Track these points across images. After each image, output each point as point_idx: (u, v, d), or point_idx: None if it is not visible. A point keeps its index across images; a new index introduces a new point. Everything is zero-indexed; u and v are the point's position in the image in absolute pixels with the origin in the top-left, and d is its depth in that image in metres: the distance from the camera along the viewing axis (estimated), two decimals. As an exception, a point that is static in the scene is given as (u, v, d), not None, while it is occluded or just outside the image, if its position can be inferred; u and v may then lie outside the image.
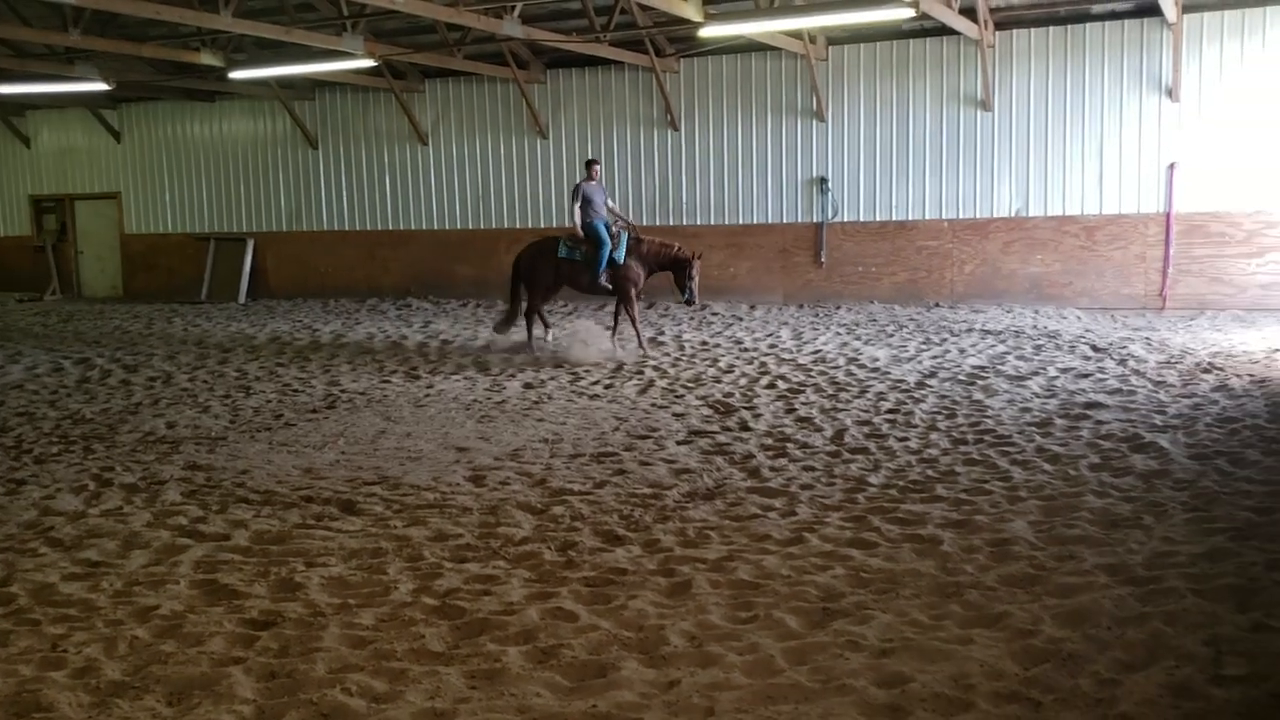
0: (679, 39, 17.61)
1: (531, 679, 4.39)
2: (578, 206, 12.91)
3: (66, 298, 23.64)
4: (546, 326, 14.02)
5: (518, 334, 14.00)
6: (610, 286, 13.11)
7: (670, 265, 13.16)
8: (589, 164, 13.52)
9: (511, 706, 4.15)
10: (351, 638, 4.86)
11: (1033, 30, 16.22)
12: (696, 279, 13.10)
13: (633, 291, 13.10)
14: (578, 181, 13.49)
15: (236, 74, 17.20)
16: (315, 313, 19.05)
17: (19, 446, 9.16)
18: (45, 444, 9.23)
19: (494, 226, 20.30)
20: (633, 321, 13.19)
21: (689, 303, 13.28)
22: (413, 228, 20.98)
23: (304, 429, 9.57)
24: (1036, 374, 10.94)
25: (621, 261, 13.00)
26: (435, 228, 20.79)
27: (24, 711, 4.22)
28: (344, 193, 21.52)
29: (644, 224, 19.03)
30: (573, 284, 13.39)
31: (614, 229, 13.18)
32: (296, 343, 15.15)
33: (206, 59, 16.65)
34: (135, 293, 23.41)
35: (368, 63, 16.68)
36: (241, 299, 21.73)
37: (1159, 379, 10.44)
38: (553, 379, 11.70)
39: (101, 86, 17.93)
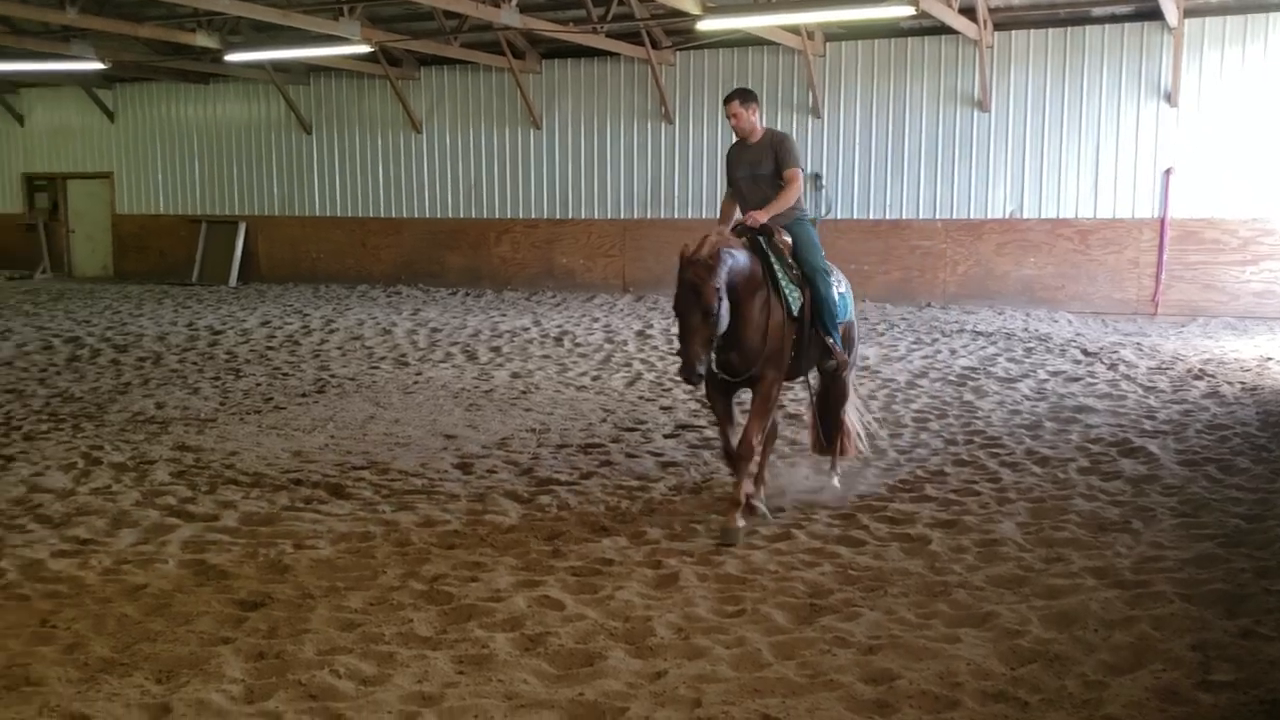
0: (676, 32, 17.60)
1: (519, 665, 4.40)
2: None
3: (57, 276, 23.54)
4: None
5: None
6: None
7: None
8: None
9: (499, 692, 4.16)
10: (340, 620, 4.86)
11: (1032, 31, 16.25)
12: None
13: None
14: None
15: (232, 56, 17.16)
16: (306, 298, 19.00)
17: (8, 423, 9.12)
18: (34, 421, 9.19)
19: (486, 216, 20.26)
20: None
21: None
22: (404, 215, 20.94)
23: (293, 412, 9.56)
24: (1027, 376, 10.98)
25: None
26: (427, 216, 20.75)
27: (14, 685, 4.22)
28: (337, 179, 21.46)
29: (636, 217, 19.07)
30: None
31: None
32: (286, 327, 15.10)
33: (202, 40, 16.59)
34: (126, 273, 23.31)
35: (363, 48, 16.65)
36: (232, 282, 21.66)
37: (1149, 384, 10.48)
38: (540, 369, 11.70)
39: (97, 66, 17.85)
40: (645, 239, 18.97)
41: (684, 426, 8.96)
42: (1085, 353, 12.35)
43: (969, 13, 15.19)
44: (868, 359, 12.02)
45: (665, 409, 9.67)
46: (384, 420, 9.25)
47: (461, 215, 20.47)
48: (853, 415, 7.43)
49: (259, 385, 10.86)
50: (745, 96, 6.75)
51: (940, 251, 17.15)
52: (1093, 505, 6.61)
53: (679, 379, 6.27)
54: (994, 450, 8.06)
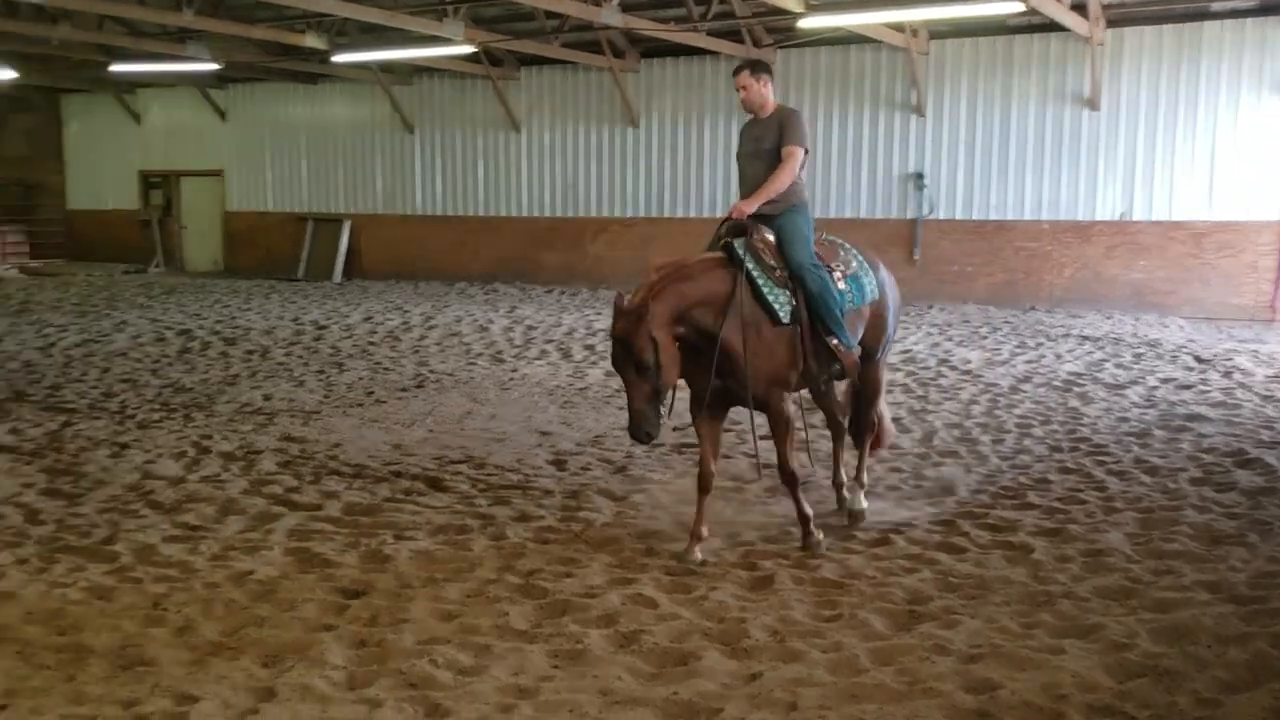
0: (777, 30, 17.49)
1: (613, 662, 4.41)
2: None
3: (170, 271, 24.33)
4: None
5: None
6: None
7: None
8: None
9: (594, 688, 4.17)
10: (439, 611, 4.93)
11: (1146, 28, 15.76)
12: None
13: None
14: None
15: (339, 57, 17.57)
16: (406, 294, 19.33)
17: (123, 412, 9.45)
18: (148, 410, 9.51)
19: (582, 215, 20.39)
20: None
21: None
22: (502, 214, 21.18)
23: (394, 406, 9.73)
24: (1136, 383, 10.66)
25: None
26: (524, 215, 20.95)
27: (128, 664, 4.37)
28: (437, 177, 21.80)
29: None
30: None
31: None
32: (387, 323, 15.39)
33: (311, 41, 17.00)
34: (235, 268, 24.00)
35: (467, 49, 16.89)
36: (336, 278, 22.15)
37: (1267, 393, 10.09)
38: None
39: (211, 66, 18.42)
40: (742, 239, 18.85)
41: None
42: (1198, 359, 11.94)
43: (1080, 9, 14.81)
44: (970, 362, 11.81)
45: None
46: (481, 416, 9.36)
47: (558, 214, 20.63)
48: (882, 407, 6.85)
49: (361, 379, 11.08)
50: (756, 67, 6.25)
51: (1046, 253, 16.75)
52: (1205, 517, 6.38)
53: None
54: (1100, 458, 7.84)
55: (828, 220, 18.04)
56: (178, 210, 25.03)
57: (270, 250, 23.48)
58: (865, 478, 6.63)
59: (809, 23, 14.21)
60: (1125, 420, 9.06)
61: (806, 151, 6.17)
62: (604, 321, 15.30)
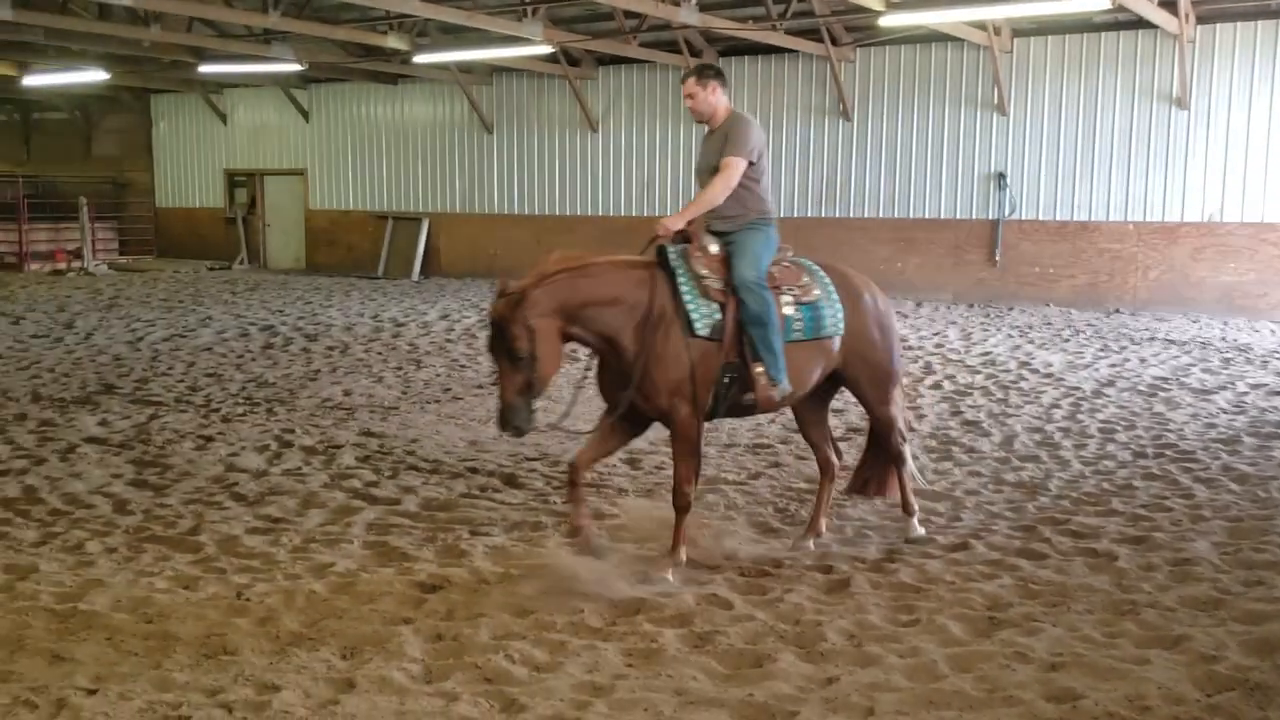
0: (856, 28, 17.34)
1: (688, 662, 4.40)
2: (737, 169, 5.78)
3: (253, 268, 24.85)
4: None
5: None
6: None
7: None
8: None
9: (669, 687, 4.17)
10: (514, 606, 4.96)
11: (1239, 24, 15.33)
12: None
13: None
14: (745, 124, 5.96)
15: (420, 57, 17.81)
16: (483, 292, 19.49)
17: (208, 405, 9.67)
18: (232, 404, 9.72)
19: (658, 214, 20.34)
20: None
21: None
22: (579, 213, 21.27)
23: (470, 403, 9.82)
24: (1224, 388, 10.37)
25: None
26: (600, 214, 21.02)
27: (212, 653, 4.47)
28: (515, 177, 21.97)
29: (810, 215, 18.86)
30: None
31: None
32: (464, 320, 15.55)
33: (393, 42, 17.25)
34: (316, 266, 24.43)
35: (545, 49, 17.00)
36: (415, 276, 22.44)
37: (1362, 400, 9.76)
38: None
39: (295, 67, 18.77)
40: (817, 237, 18.68)
41: (855, 430, 8.80)
42: (1290, 365, 11.59)
43: (1169, 6, 14.46)
44: (1051, 366, 11.59)
45: (836, 411, 9.50)
46: (554, 413, 9.36)
47: (634, 213, 20.66)
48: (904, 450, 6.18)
49: (438, 376, 11.21)
50: (701, 73, 5.75)
51: (1131, 255, 16.37)
52: (1299, 528, 6.18)
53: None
54: (1187, 465, 7.64)
55: (905, 220, 17.89)
56: (261, 208, 25.56)
57: (350, 248, 23.86)
58: (913, 509, 6.11)
59: (890, 20, 14.06)
60: (1213, 426, 8.82)
61: (753, 163, 5.65)
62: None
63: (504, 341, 5.05)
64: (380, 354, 12.59)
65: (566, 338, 5.25)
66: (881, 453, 6.22)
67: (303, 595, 5.10)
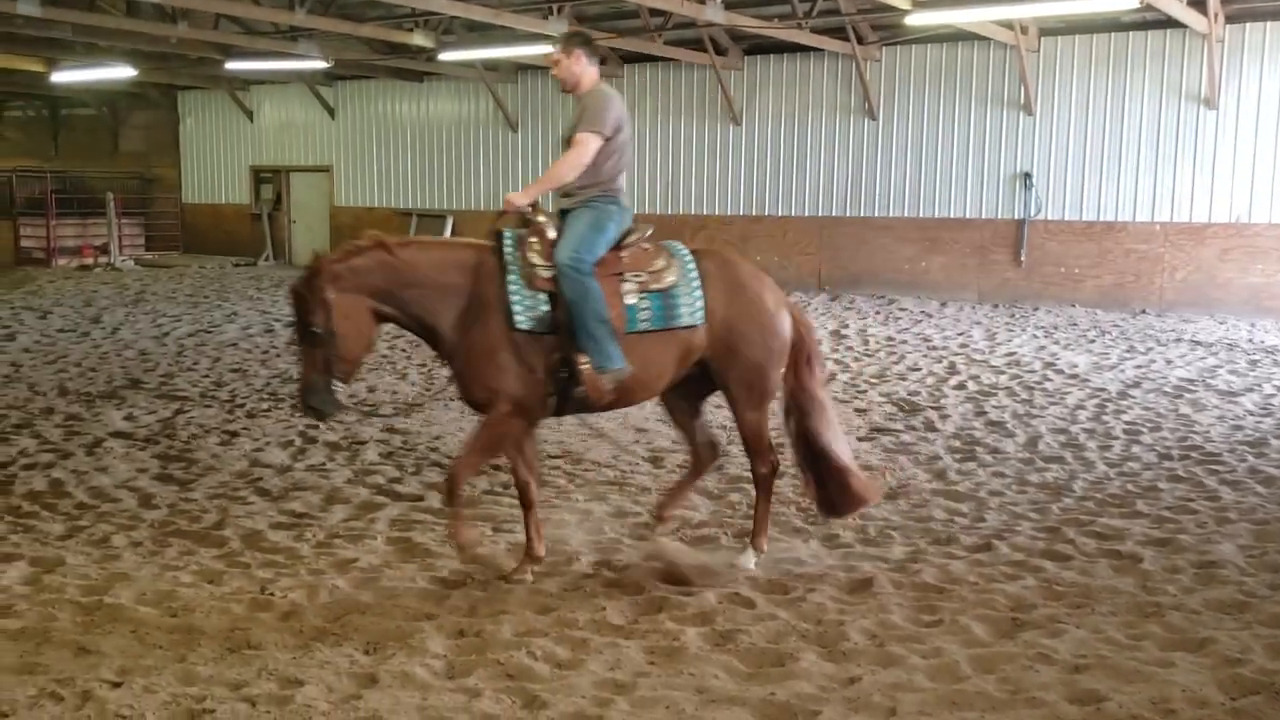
0: (883, 27, 17.26)
1: (709, 660, 4.41)
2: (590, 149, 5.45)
3: (279, 264, 24.98)
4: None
5: None
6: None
7: None
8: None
9: (690, 685, 4.17)
10: (536, 604, 4.98)
11: (1268, 24, 15.17)
12: None
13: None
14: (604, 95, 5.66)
15: (446, 55, 17.85)
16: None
17: (233, 401, 9.74)
18: (257, 400, 9.78)
19: (681, 213, 20.37)
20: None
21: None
22: (604, 210, 21.23)
23: (493, 401, 9.83)
24: (1251, 390, 10.28)
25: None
26: (626, 211, 20.98)
27: (236, 647, 4.50)
28: (539, 174, 21.94)
29: (835, 215, 18.80)
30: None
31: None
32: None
33: (419, 40, 17.30)
34: (340, 262, 24.48)
35: (570, 46, 16.98)
36: (438, 273, 22.46)
37: (1392, 404, 9.65)
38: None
39: (321, 64, 18.86)
40: (843, 237, 18.72)
41: (879, 430, 8.78)
42: (1319, 367, 11.47)
43: (1198, 5, 14.33)
44: (1076, 366, 11.52)
45: (860, 411, 9.50)
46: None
47: (657, 211, 20.62)
48: (839, 446, 5.62)
49: (461, 373, 11.23)
50: (568, 40, 5.53)
51: (1158, 256, 16.25)
52: (1327, 531, 6.13)
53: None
54: (1213, 467, 7.58)
55: (930, 220, 17.80)
56: (287, 205, 25.69)
57: (375, 245, 23.91)
58: (763, 541, 5.61)
59: (916, 19, 14.00)
60: (1240, 428, 8.75)
61: (609, 139, 5.33)
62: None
63: (302, 313, 4.90)
64: (404, 351, 12.63)
65: (383, 319, 5.05)
66: (819, 462, 5.59)
67: (326, 590, 5.14)
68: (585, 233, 5.25)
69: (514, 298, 5.06)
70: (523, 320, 5.05)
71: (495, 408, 5.10)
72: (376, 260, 5.00)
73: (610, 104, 5.41)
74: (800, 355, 5.57)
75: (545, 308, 5.08)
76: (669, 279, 5.28)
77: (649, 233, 5.48)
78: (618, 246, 5.34)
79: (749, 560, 5.54)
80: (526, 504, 5.36)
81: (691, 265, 5.34)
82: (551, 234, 5.27)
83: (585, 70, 5.51)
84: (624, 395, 5.31)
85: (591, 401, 5.21)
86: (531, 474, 5.40)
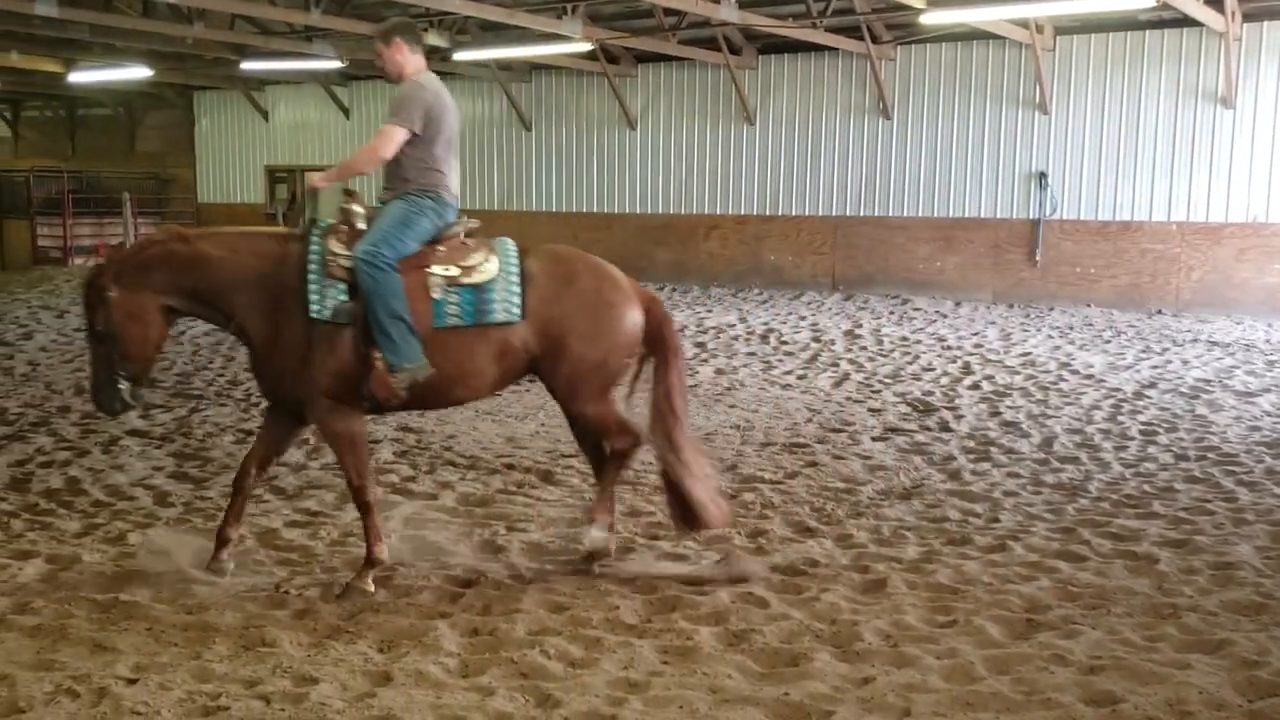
0: (897, 26, 17.23)
1: (723, 660, 4.40)
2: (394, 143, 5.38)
3: (292, 263, 25.02)
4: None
5: None
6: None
7: None
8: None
9: (704, 685, 4.17)
10: (550, 602, 4.98)
11: (1287, 22, 15.10)
12: None
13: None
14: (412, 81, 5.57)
15: (460, 55, 17.88)
16: (520, 289, 19.54)
17: (248, 399, 9.77)
18: (271, 398, 9.80)
19: (695, 212, 20.37)
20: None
21: None
22: (616, 211, 21.27)
23: (507, 399, 9.83)
24: (1268, 391, 10.22)
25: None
26: (638, 212, 21.01)
27: (250, 645, 4.51)
28: (553, 174, 22.01)
29: (849, 214, 18.76)
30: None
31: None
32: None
33: (433, 39, 17.29)
34: (354, 261, 24.55)
35: (585, 46, 17.02)
36: (452, 272, 22.52)
37: None
38: (745, 366, 11.67)
39: (336, 64, 18.91)
40: (857, 236, 18.68)
41: (893, 430, 8.76)
42: (1337, 368, 11.40)
43: (1215, 3, 14.26)
44: (1092, 367, 11.48)
45: (874, 411, 9.47)
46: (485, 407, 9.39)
47: (671, 211, 20.64)
48: (686, 457, 5.35)
49: (475, 372, 11.24)
50: (388, 31, 5.46)
51: (1174, 255, 16.17)
52: (1345, 533, 6.09)
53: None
54: (1229, 468, 7.54)
55: (945, 220, 17.74)
56: (302, 204, 25.70)
57: (389, 244, 23.99)
58: (603, 515, 5.40)
59: (931, 18, 13.96)
60: (1257, 429, 8.70)
61: (416, 133, 5.23)
62: (714, 319, 15.29)
63: (86, 314, 4.86)
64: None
65: (179, 313, 4.98)
66: (666, 473, 5.40)
67: (340, 589, 5.14)
68: (389, 226, 5.14)
69: (311, 286, 4.97)
70: (318, 309, 4.96)
71: (310, 404, 5.05)
72: (165, 254, 4.92)
73: (419, 96, 5.29)
74: (657, 352, 5.41)
75: (343, 298, 4.97)
76: (484, 274, 5.13)
77: (471, 226, 5.38)
78: (437, 241, 5.24)
79: (598, 535, 5.32)
80: (237, 489, 5.26)
81: (513, 261, 5.19)
82: (361, 225, 5.18)
83: (407, 60, 5.43)
84: (436, 394, 5.19)
85: (382, 400, 5.08)
86: (262, 467, 5.33)
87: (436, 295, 5.06)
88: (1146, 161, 16.24)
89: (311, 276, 4.98)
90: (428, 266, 5.09)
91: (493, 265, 5.14)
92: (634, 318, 5.33)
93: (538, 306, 5.14)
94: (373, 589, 5.03)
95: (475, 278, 5.10)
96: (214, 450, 7.93)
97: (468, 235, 5.33)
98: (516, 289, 5.12)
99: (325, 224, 5.21)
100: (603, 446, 5.50)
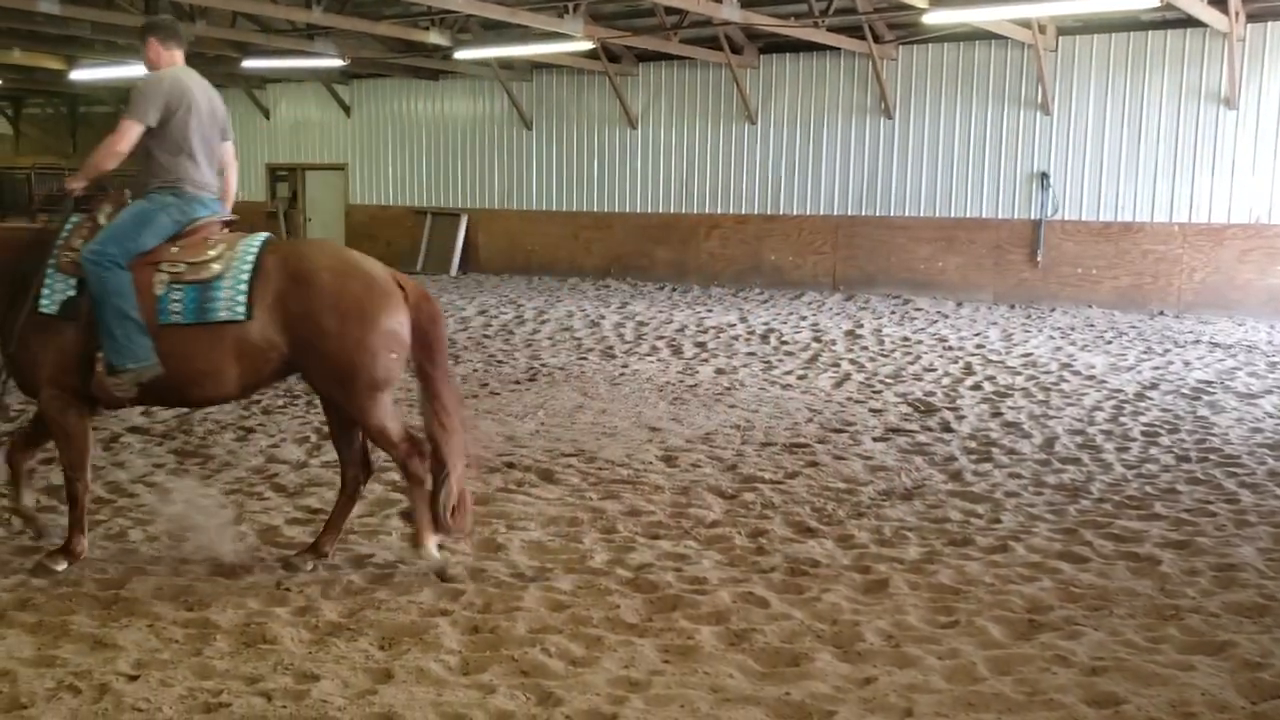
0: (899, 25, 17.22)
1: (724, 659, 4.39)
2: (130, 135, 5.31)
3: (293, 261, 25.02)
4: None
5: None
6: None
7: None
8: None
9: (704, 684, 4.16)
10: (550, 601, 4.97)
11: (1291, 23, 15.09)
12: None
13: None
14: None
15: (461, 53, 17.87)
16: (520, 289, 19.57)
17: (248, 398, 9.75)
18: (272, 396, 9.78)
19: (696, 212, 20.36)
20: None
21: None
22: (616, 210, 21.27)
23: (507, 399, 9.85)
24: (1270, 392, 10.22)
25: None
26: (638, 211, 21.01)
27: (251, 641, 4.51)
28: (553, 173, 22.01)
29: (850, 214, 18.76)
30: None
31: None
32: (501, 316, 15.60)
33: (435, 38, 17.32)
34: (355, 260, 24.56)
35: (586, 45, 17.01)
36: (453, 271, 22.55)
37: None
38: (745, 366, 11.67)
39: (337, 62, 18.91)
40: (859, 236, 18.67)
41: (895, 430, 8.75)
42: (1339, 370, 11.39)
43: (1219, 4, 14.25)
44: (1093, 368, 11.47)
45: (875, 411, 9.47)
46: (591, 410, 9.42)
47: (672, 210, 20.64)
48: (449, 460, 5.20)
49: (475, 371, 11.25)
50: (146, 29, 5.53)
51: (1176, 257, 16.16)
52: (1347, 535, 6.08)
53: None
54: (1232, 469, 7.53)
55: (946, 220, 17.73)
56: (303, 202, 25.78)
57: (389, 243, 23.93)
58: (426, 537, 5.24)
59: (933, 18, 13.95)
60: (1259, 431, 8.69)
61: (151, 128, 5.21)
62: (715, 319, 15.28)
63: None
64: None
65: None
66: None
67: (341, 585, 5.14)
68: (122, 225, 5.09)
69: (46, 280, 5.01)
70: (46, 304, 4.99)
71: (42, 399, 5.13)
72: None
73: (155, 89, 5.26)
74: (423, 353, 5.28)
75: (73, 294, 4.97)
76: (210, 271, 5.00)
77: (219, 216, 5.36)
78: (178, 236, 5.20)
79: (427, 556, 5.23)
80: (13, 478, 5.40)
81: (248, 258, 5.03)
82: (103, 221, 5.16)
83: (158, 55, 5.45)
84: (171, 392, 5.16)
85: (105, 399, 5.08)
86: (28, 454, 5.55)
87: (159, 292, 4.99)
88: (1149, 162, 16.24)
89: (48, 271, 5.04)
90: (159, 263, 5.04)
91: (224, 262, 5.03)
92: (388, 316, 5.13)
93: (272, 305, 4.99)
94: (60, 569, 5.18)
95: (201, 274, 5.00)
96: (215, 448, 7.92)
97: (225, 229, 5.35)
98: (244, 287, 4.97)
99: (75, 220, 5.22)
100: (347, 476, 5.46)
